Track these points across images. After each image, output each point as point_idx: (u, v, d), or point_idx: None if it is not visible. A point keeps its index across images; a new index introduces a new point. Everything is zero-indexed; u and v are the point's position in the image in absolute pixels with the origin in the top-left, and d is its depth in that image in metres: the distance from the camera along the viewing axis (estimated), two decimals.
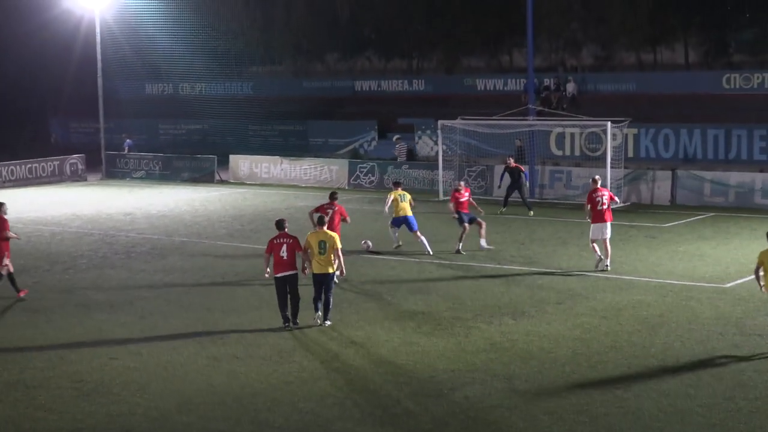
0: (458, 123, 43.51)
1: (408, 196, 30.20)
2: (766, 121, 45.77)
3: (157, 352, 19.97)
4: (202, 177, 51.04)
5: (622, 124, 40.83)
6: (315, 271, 21.61)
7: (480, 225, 29.98)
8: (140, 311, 23.51)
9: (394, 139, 50.84)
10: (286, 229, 21.71)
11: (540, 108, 48.16)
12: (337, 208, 26.77)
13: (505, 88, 59.74)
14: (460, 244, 29.83)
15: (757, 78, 52.07)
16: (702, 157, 45.01)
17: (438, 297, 24.25)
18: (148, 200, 44.30)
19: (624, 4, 62.09)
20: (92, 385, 17.93)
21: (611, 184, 36.74)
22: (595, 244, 27.05)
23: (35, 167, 51.91)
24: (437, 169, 43.48)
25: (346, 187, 45.68)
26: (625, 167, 40.91)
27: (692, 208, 37.92)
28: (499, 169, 40.79)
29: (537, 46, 56.29)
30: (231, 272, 27.79)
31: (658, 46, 67.56)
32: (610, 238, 27.22)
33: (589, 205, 26.89)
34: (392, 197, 30.04)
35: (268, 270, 21.62)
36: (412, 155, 49.81)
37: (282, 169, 49.71)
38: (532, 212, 37.19)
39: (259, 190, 47.27)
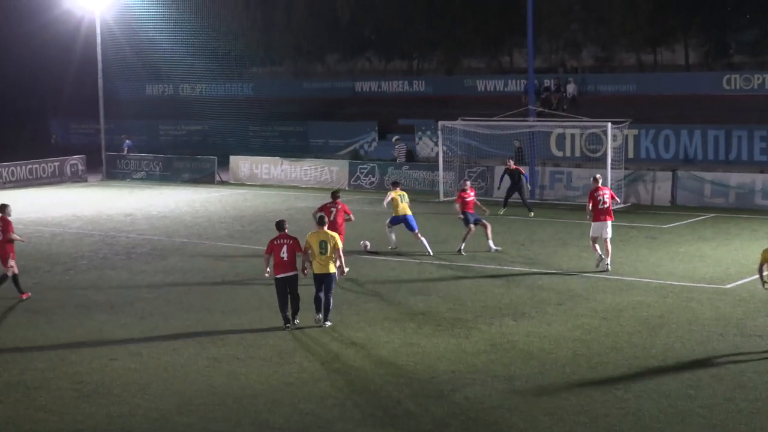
0: (458, 124, 43.52)
1: (407, 197, 30.24)
2: (767, 122, 45.78)
3: (158, 353, 19.97)
4: (203, 178, 51.05)
5: (623, 125, 40.84)
6: (316, 271, 21.63)
7: (485, 227, 29.98)
8: (141, 312, 23.51)
9: (394, 140, 50.88)
10: (286, 230, 21.73)
11: (540, 109, 48.15)
12: (340, 207, 26.92)
13: (506, 89, 59.74)
14: (463, 245, 29.82)
15: (758, 79, 52.06)
16: (702, 158, 45.04)
17: (438, 298, 24.25)
18: (148, 201, 44.30)
19: (624, 5, 62.07)
20: (93, 386, 17.94)
21: (611, 185, 36.71)
22: (596, 244, 27.09)
23: (35, 168, 51.94)
24: (438, 170, 43.47)
25: (347, 188, 45.66)
26: (626, 168, 40.91)
27: (693, 209, 37.93)
28: (499, 170, 40.79)
29: (537, 47, 56.32)
30: (231, 273, 27.80)
31: (659, 47, 67.54)
32: (611, 238, 27.27)
33: (590, 204, 26.92)
34: (392, 196, 30.08)
35: (268, 270, 21.64)
36: (411, 156, 49.82)
37: (282, 170, 49.72)
38: (532, 213, 37.20)
39: (260, 191, 47.28)
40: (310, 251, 21.59)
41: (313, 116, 60.71)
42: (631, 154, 44.76)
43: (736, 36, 65.74)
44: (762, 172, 40.51)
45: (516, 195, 37.92)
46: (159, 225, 37.09)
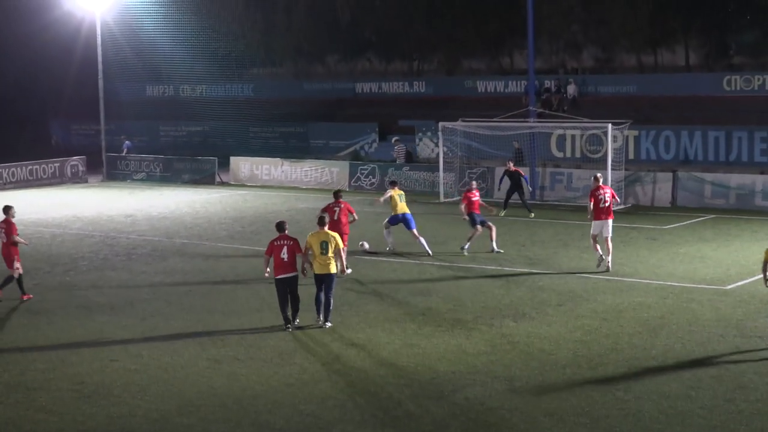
0: (459, 125, 43.52)
1: (405, 196, 30.31)
2: (767, 123, 45.76)
3: (158, 353, 19.97)
4: (203, 179, 51.05)
5: (623, 126, 40.82)
6: (316, 272, 21.67)
7: (491, 229, 29.97)
8: (141, 313, 23.52)
9: (393, 141, 50.89)
10: (286, 231, 21.74)
11: (541, 110, 48.11)
12: (343, 206, 27.04)
13: (506, 90, 59.71)
14: (468, 244, 29.79)
15: (758, 80, 52.03)
16: (703, 159, 45.02)
17: (439, 299, 24.25)
18: (148, 202, 44.31)
19: (624, 6, 62.02)
20: (93, 387, 17.95)
21: (612, 185, 36.68)
22: (596, 243, 27.13)
23: (36, 169, 51.95)
24: (438, 170, 43.45)
25: (347, 189, 45.62)
26: (626, 169, 40.90)
27: (693, 210, 37.93)
28: (499, 171, 40.78)
29: (537, 48, 56.23)
30: (231, 274, 27.80)
31: (659, 48, 67.46)
32: (612, 237, 27.32)
33: (592, 202, 26.97)
34: (390, 194, 30.10)
35: (268, 270, 21.65)
36: (410, 157, 49.80)
37: (283, 171, 49.72)
38: (533, 214, 37.21)
39: (260, 191, 47.27)
40: (310, 252, 21.62)
41: (313, 117, 60.69)
42: (631, 155, 44.74)
43: (736, 37, 65.67)
44: (762, 173, 40.49)
45: (516, 196, 37.95)
46: (159, 226, 37.09)
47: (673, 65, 67.19)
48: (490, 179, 42.60)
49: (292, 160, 50.45)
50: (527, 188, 38.93)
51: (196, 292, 25.63)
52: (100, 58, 53.97)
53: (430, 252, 29.61)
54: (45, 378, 18.58)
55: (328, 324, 21.65)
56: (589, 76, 62.38)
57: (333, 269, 21.75)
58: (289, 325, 21.50)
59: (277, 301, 21.70)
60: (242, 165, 51.13)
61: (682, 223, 35.17)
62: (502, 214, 36.75)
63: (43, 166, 52.33)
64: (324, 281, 21.65)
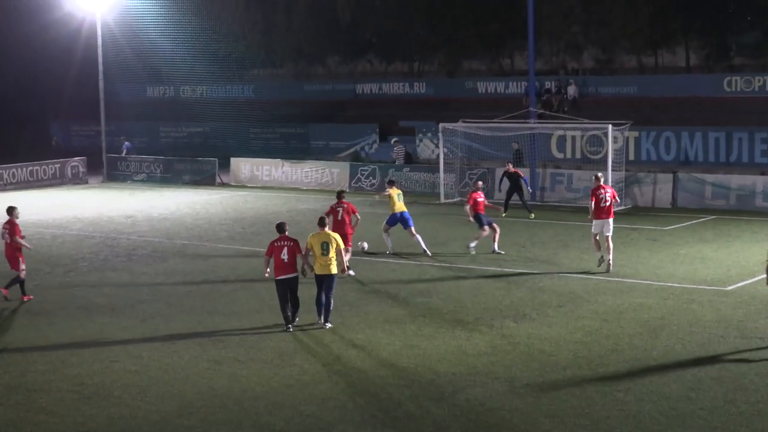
0: (459, 126, 43.51)
1: (403, 195, 30.38)
2: (767, 124, 45.75)
3: (158, 355, 19.98)
4: (204, 180, 51.05)
5: (624, 127, 40.80)
6: (317, 272, 21.69)
7: (495, 230, 30.00)
8: (141, 314, 23.51)
9: (392, 142, 50.91)
10: (286, 232, 21.76)
11: (541, 111, 48.12)
12: (346, 206, 27.12)
13: (507, 91, 59.78)
14: (475, 242, 29.80)
15: (758, 81, 52.07)
16: (703, 160, 44.99)
17: (439, 299, 24.24)
18: (149, 203, 44.30)
19: (625, 7, 62.10)
20: (93, 388, 17.95)
21: (612, 186, 36.66)
22: (598, 240, 27.18)
23: (36, 170, 51.95)
24: (438, 172, 43.43)
25: (347, 190, 45.61)
26: (627, 170, 40.88)
27: (693, 211, 37.91)
28: (500, 172, 40.74)
29: (538, 49, 56.32)
30: (232, 275, 27.79)
31: (659, 49, 67.58)
32: (612, 236, 27.36)
33: (593, 201, 27.02)
34: (389, 193, 30.17)
35: (268, 270, 21.66)
36: (410, 158, 49.79)
37: (283, 172, 49.71)
38: (533, 215, 37.20)
39: (260, 192, 47.27)
40: (311, 253, 21.64)
41: (313, 118, 60.70)
42: (631, 156, 44.72)
43: (736, 38, 65.75)
44: (763, 174, 40.47)
45: (516, 197, 37.97)
46: (160, 227, 37.09)
47: (674, 66, 67.30)
48: (491, 180, 42.56)
49: (293, 161, 50.44)
50: (527, 190, 38.90)
51: (197, 293, 25.63)
52: (100, 59, 53.97)
53: (427, 250, 29.65)
54: (45, 379, 18.58)
55: (329, 325, 21.66)
56: (589, 77, 62.49)
57: (334, 270, 21.79)
58: (290, 326, 21.50)
59: (278, 302, 21.71)
60: (243, 166, 51.14)
61: (682, 224, 35.16)
62: (504, 215, 36.72)
63: (43, 167, 52.34)
64: (325, 282, 21.68)
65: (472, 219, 29.93)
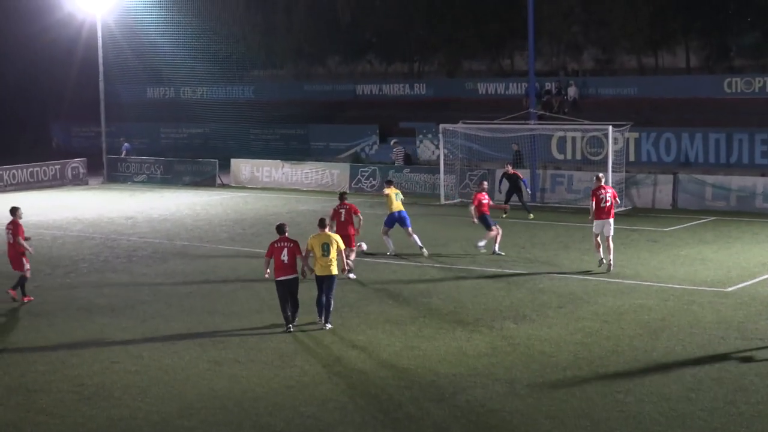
0: (459, 127, 43.50)
1: (401, 194, 30.43)
2: None
3: (159, 355, 19.98)
4: (204, 181, 51.05)
5: (624, 128, 40.80)
6: (318, 273, 21.72)
7: (497, 232, 30.04)
8: (142, 315, 23.52)
9: (392, 143, 50.90)
10: (286, 233, 21.77)
11: (541, 112, 48.09)
12: (348, 208, 27.17)
13: (507, 92, 59.73)
14: (484, 242, 29.84)
15: (759, 82, 52.04)
16: (703, 161, 44.98)
17: (439, 301, 24.24)
18: (149, 204, 44.31)
19: (625, 7, 62.08)
20: (93, 389, 17.95)
21: (613, 187, 36.69)
22: (598, 239, 27.22)
23: (37, 171, 51.95)
24: (438, 173, 43.42)
25: (348, 191, 45.61)
26: (627, 171, 40.88)
27: (694, 212, 37.91)
28: (500, 173, 40.73)
29: (538, 50, 56.31)
30: (232, 276, 27.79)
31: (660, 50, 67.55)
32: (613, 237, 27.41)
33: (594, 202, 27.07)
34: (387, 192, 30.30)
35: (268, 271, 21.67)
36: (409, 160, 49.78)
37: (283, 173, 49.72)
38: (532, 215, 37.20)
39: (261, 193, 47.27)
40: (312, 254, 21.66)
41: (314, 119, 60.68)
42: (632, 157, 44.72)
43: (737, 39, 65.73)
44: (763, 175, 40.44)
45: (515, 198, 37.98)
46: (160, 228, 37.09)
47: (674, 67, 67.27)
48: (491, 181, 42.52)
49: (293, 162, 50.43)
50: (526, 191, 38.87)
51: (197, 294, 25.63)
52: (101, 60, 53.98)
53: (423, 248, 29.71)
54: (45, 380, 18.59)
55: (329, 325, 21.67)
56: (589, 78, 62.45)
57: (334, 271, 21.82)
58: (290, 326, 21.51)
59: (278, 303, 21.72)
60: (243, 167, 51.14)
61: (682, 226, 35.15)
62: (504, 216, 36.70)
63: (43, 168, 52.34)
64: (325, 283, 21.71)
65: (476, 220, 29.91)
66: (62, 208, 42.99)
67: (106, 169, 54.56)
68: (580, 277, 26.66)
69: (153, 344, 20.86)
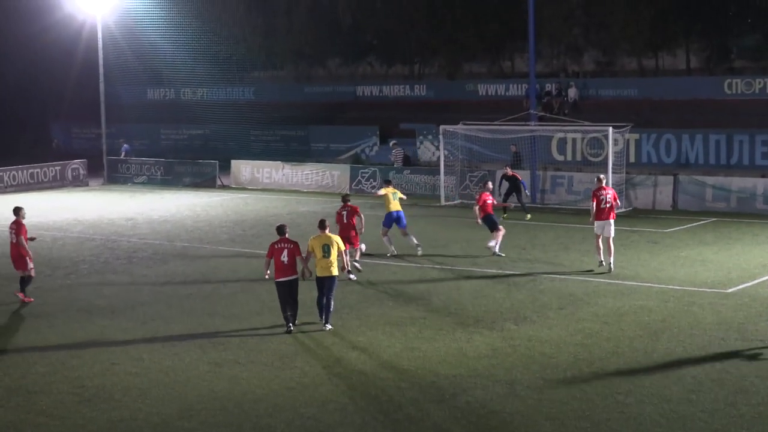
0: (460, 128, 43.49)
1: (399, 194, 30.43)
2: None
3: (159, 357, 19.97)
4: (204, 182, 51.04)
5: (624, 129, 40.80)
6: (318, 275, 21.72)
7: (503, 230, 30.09)
8: (142, 316, 23.50)
9: (391, 144, 50.88)
10: (286, 234, 21.77)
11: (542, 113, 48.12)
12: (350, 209, 27.28)
13: (507, 94, 59.75)
14: (494, 242, 29.83)
15: (759, 83, 52.03)
16: (704, 162, 44.94)
17: (439, 302, 24.23)
18: (149, 205, 44.29)
19: (625, 9, 62.07)
20: (93, 391, 17.94)
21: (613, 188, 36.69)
22: (600, 241, 27.23)
23: (37, 172, 51.93)
24: (439, 174, 43.41)
25: (349, 193, 45.57)
26: (627, 172, 40.87)
27: (694, 214, 37.89)
28: (500, 175, 40.71)
29: (538, 52, 56.34)
30: (232, 277, 27.78)
31: (660, 52, 67.58)
32: (613, 238, 27.42)
33: (594, 202, 27.12)
34: (384, 192, 30.40)
35: (268, 272, 21.67)
36: (408, 161, 49.78)
37: (284, 175, 49.70)
38: (529, 216, 37.15)
39: (261, 195, 47.25)
40: (312, 255, 21.67)
41: (314, 120, 60.67)
42: (632, 159, 44.68)
43: (737, 41, 65.75)
44: (763, 176, 40.41)
45: (513, 199, 37.96)
46: (160, 229, 37.08)
47: (674, 68, 67.33)
48: (491, 183, 42.48)
49: (293, 163, 50.40)
50: (525, 192, 38.80)
51: (197, 296, 25.62)
52: (101, 61, 53.97)
53: (419, 246, 29.83)
54: (46, 381, 18.57)
55: (329, 326, 21.66)
56: (590, 79, 62.45)
57: (335, 272, 21.82)
58: (291, 325, 21.49)
59: (278, 304, 21.72)
60: (243, 168, 51.13)
61: (683, 227, 35.14)
62: (504, 216, 36.69)
63: (44, 169, 52.33)
64: (326, 284, 21.70)
65: (480, 221, 29.90)
66: (62, 210, 42.98)
67: (106, 170, 54.55)
68: (581, 278, 26.65)
69: (153, 346, 20.84)
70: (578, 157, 46.20)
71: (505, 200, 38.01)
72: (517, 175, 38.20)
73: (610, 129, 39.32)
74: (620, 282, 25.97)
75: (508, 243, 31.44)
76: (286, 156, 53.90)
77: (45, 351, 20.62)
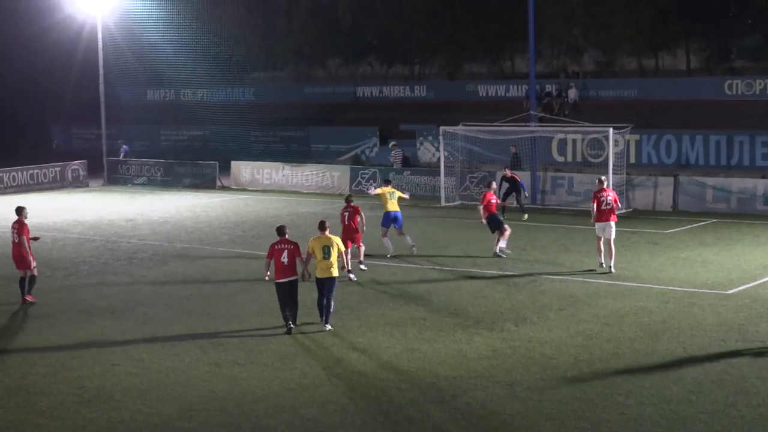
0: (460, 129, 43.45)
1: (397, 194, 30.47)
2: None
3: (159, 358, 19.95)
4: (204, 183, 51.02)
5: (624, 130, 40.78)
6: (319, 276, 21.70)
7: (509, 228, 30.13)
8: (142, 317, 23.49)
9: (390, 145, 50.86)
10: (286, 235, 21.76)
11: (542, 114, 48.11)
12: (352, 209, 27.57)
13: (507, 94, 59.72)
14: (505, 244, 29.85)
15: (759, 84, 52.00)
16: (704, 163, 44.96)
17: (439, 303, 24.21)
18: (149, 206, 44.27)
19: (626, 9, 62.06)
20: (94, 392, 17.92)
21: (613, 190, 36.67)
22: (601, 244, 27.24)
23: (37, 173, 51.91)
24: (439, 175, 43.38)
25: (351, 193, 45.52)
26: (627, 173, 40.85)
27: (694, 215, 37.86)
28: (500, 176, 40.69)
29: (539, 52, 56.34)
30: (232, 278, 27.76)
31: (660, 52, 67.56)
32: (614, 241, 27.39)
33: (595, 204, 27.14)
34: (381, 191, 30.52)
35: (268, 273, 21.66)
36: (407, 162, 49.77)
37: (284, 176, 49.67)
38: (526, 216, 37.10)
39: (261, 196, 47.23)
40: (313, 256, 21.65)
41: (314, 121, 60.66)
42: (632, 160, 44.67)
43: (737, 41, 65.72)
44: (764, 177, 40.38)
45: (512, 198, 37.97)
46: (160, 230, 37.06)
47: (675, 69, 67.30)
48: (494, 183, 42.50)
49: (293, 164, 50.39)
50: (524, 193, 38.75)
51: (197, 296, 25.60)
52: (101, 62, 53.95)
53: (413, 245, 29.85)
54: (46, 382, 18.55)
55: (328, 326, 21.65)
56: (590, 80, 62.41)
57: (335, 273, 21.82)
58: (291, 323, 21.46)
59: (278, 305, 21.70)
60: (243, 169, 51.10)
61: (683, 228, 35.13)
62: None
63: (43, 170, 52.30)
64: (326, 285, 21.68)
65: (484, 221, 29.89)
66: (62, 211, 42.96)
67: (106, 171, 54.53)
68: (581, 279, 26.62)
69: (153, 346, 20.82)
70: (578, 158, 46.21)
71: (503, 200, 38.00)
72: (517, 177, 38.18)
73: (611, 130, 39.32)
74: (621, 283, 25.95)
75: (509, 244, 31.43)
76: (286, 157, 53.89)
77: (45, 352, 20.60)
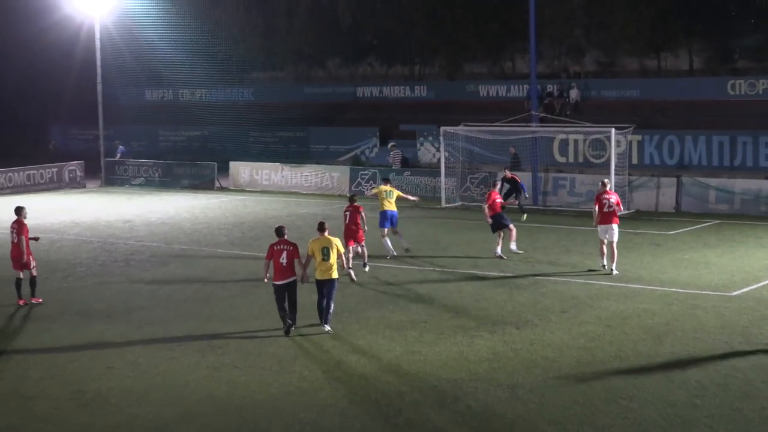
0: (460, 129, 43.33)
1: (395, 193, 30.40)
2: None
3: (157, 361, 19.79)
4: (202, 184, 50.89)
5: (626, 130, 40.67)
6: (318, 278, 21.58)
7: (500, 235, 29.90)
8: (139, 320, 23.32)
9: (389, 146, 50.74)
10: (285, 236, 21.61)
11: (543, 114, 47.98)
12: (353, 209, 27.71)
13: (508, 95, 59.56)
14: (514, 245, 29.81)
15: (762, 84, 51.82)
16: (707, 164, 44.85)
17: (440, 305, 24.06)
18: (147, 207, 44.15)
19: (627, 10, 61.91)
20: (91, 395, 17.78)
21: (615, 190, 36.49)
22: (603, 246, 27.11)
23: (34, 174, 51.78)
24: (439, 175, 43.24)
25: (348, 194, 45.40)
26: (629, 174, 40.70)
27: (697, 216, 37.73)
28: (500, 177, 40.54)
29: (540, 53, 56.15)
30: (231, 280, 27.61)
31: (662, 53, 67.37)
32: (617, 243, 27.25)
33: (597, 206, 27.03)
34: (378, 189, 30.63)
35: (268, 275, 21.51)
36: (406, 163, 49.64)
37: (283, 176, 49.55)
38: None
39: (260, 197, 47.13)
40: (312, 258, 21.51)
41: (314, 121, 60.57)
42: (635, 160, 44.57)
43: (740, 41, 65.56)
44: (767, 178, 40.25)
45: (512, 199, 37.84)
46: (158, 232, 36.93)
47: (677, 69, 67.14)
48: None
49: (293, 164, 50.28)
50: (524, 194, 38.60)
51: (195, 299, 25.45)
52: (99, 62, 53.84)
53: (407, 248, 29.76)
54: (42, 386, 18.43)
55: (328, 327, 21.51)
56: (591, 80, 62.24)
57: (335, 275, 21.69)
58: (290, 322, 21.30)
59: (276, 306, 21.53)
60: (242, 170, 50.97)
61: (686, 229, 34.99)
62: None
63: (41, 171, 52.19)
64: (326, 287, 21.55)
65: (490, 220, 29.73)
66: (59, 212, 42.84)
67: (103, 172, 54.43)
68: (583, 281, 26.47)
69: (151, 349, 20.67)
70: (580, 159, 46.11)
71: (504, 201, 37.83)
72: (517, 178, 38.03)
73: (613, 130, 39.21)
74: (623, 285, 25.80)
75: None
76: (285, 157, 53.77)
77: (42, 354, 20.49)
